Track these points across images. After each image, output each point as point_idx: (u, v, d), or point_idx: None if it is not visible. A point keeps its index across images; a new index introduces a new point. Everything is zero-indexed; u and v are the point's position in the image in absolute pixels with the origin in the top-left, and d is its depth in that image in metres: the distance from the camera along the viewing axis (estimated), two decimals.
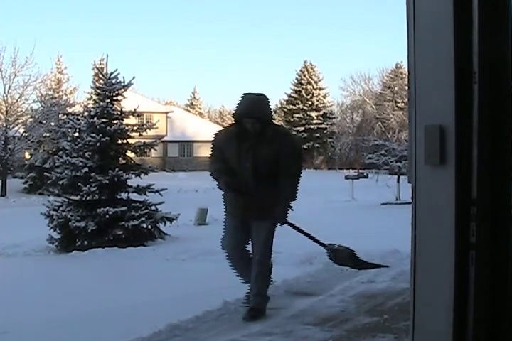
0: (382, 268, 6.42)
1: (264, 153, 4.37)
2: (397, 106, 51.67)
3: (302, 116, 57.10)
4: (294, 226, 4.79)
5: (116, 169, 11.04)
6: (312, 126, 56.59)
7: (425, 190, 1.79)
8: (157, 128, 14.91)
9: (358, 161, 41.21)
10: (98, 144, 11.31)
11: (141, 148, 12.24)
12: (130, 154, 12.22)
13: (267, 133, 4.39)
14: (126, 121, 12.21)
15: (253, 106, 4.36)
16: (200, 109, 71.16)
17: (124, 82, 12.18)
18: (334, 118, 59.47)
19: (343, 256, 5.12)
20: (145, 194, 11.33)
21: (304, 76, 58.08)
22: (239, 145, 4.42)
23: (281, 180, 4.44)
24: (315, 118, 56.87)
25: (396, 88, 54.17)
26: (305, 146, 56.99)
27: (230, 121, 75.54)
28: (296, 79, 58.60)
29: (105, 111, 11.76)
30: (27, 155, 33.33)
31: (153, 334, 4.15)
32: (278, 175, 4.41)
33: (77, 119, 14.74)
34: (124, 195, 11.32)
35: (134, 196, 11.39)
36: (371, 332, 4.08)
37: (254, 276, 4.60)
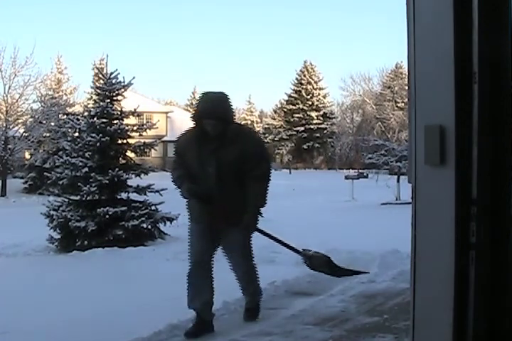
0: (381, 268, 6.43)
1: (227, 155, 4.08)
2: (397, 106, 51.67)
3: (302, 116, 57.12)
4: (265, 234, 4.67)
5: (116, 169, 11.03)
6: (312, 126, 56.61)
7: (425, 190, 1.79)
8: (157, 128, 14.89)
9: (358, 161, 41.24)
10: (98, 144, 11.30)
11: (141, 148, 12.23)
12: (130, 154, 12.21)
13: (228, 135, 4.09)
14: (126, 121, 12.19)
15: (213, 106, 4.07)
16: None
17: (124, 82, 12.17)
18: (334, 118, 59.50)
19: (320, 263, 5.05)
20: (145, 194, 11.32)
21: (304, 76, 58.10)
22: (200, 149, 4.12)
23: (247, 184, 4.20)
24: (315, 118, 56.88)
25: (396, 88, 54.17)
26: (305, 146, 57.05)
27: None
28: (296, 79, 58.63)
29: (105, 111, 11.75)
30: (27, 155, 33.32)
31: (153, 334, 4.15)
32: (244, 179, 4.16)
33: (77, 119, 14.74)
34: (124, 195, 11.31)
35: (134, 196, 11.38)
36: (371, 332, 4.08)
37: (241, 278, 4.52)
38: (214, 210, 4.16)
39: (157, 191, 11.37)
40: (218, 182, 4.11)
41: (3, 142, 29.33)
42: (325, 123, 57.20)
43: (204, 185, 4.15)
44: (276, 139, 58.93)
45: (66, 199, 11.07)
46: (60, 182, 11.89)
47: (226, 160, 4.09)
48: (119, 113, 12.00)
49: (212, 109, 4.05)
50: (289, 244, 4.80)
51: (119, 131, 11.66)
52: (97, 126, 11.52)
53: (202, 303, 4.27)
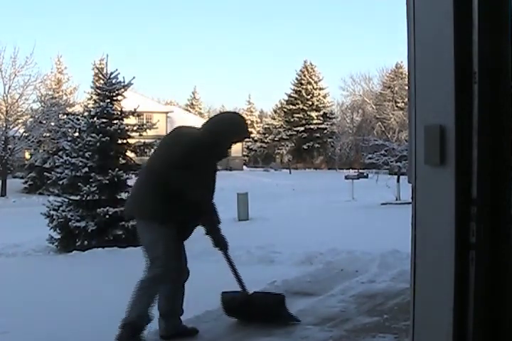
0: (381, 268, 6.43)
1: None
2: (397, 106, 51.71)
3: (302, 116, 57.15)
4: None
5: (116, 169, 11.04)
6: (312, 126, 56.64)
7: (425, 190, 1.79)
8: (157, 128, 14.91)
9: (358, 161, 41.25)
10: (98, 144, 11.30)
11: (141, 148, 12.24)
12: (130, 154, 12.22)
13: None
14: (126, 121, 12.21)
15: (248, 129, 4.22)
16: (200, 109, 71.18)
17: (124, 82, 12.18)
18: (334, 118, 59.53)
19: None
20: None
21: (304, 76, 58.12)
22: (212, 165, 4.08)
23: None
24: (315, 118, 56.91)
25: (396, 88, 54.20)
26: (305, 146, 57.07)
27: None
28: (296, 79, 58.66)
29: (105, 111, 11.76)
30: (27, 155, 33.34)
31: (153, 334, 4.15)
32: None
33: (77, 119, 14.73)
34: (124, 195, 11.31)
35: None
36: (371, 332, 4.07)
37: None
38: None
39: None
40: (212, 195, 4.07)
41: (3, 142, 29.36)
42: (325, 123, 57.22)
43: (206, 192, 4.03)
44: (276, 139, 58.96)
45: (66, 199, 11.08)
46: (60, 182, 11.89)
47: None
48: (119, 113, 12.01)
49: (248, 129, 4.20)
50: (240, 279, 4.42)
51: (119, 131, 11.67)
52: (97, 126, 11.53)
53: None
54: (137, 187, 4.09)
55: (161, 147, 4.09)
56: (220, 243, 4.21)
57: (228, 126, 4.02)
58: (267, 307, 4.35)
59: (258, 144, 61.44)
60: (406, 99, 37.30)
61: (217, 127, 3.99)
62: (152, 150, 13.69)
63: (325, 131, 57.11)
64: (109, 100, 11.96)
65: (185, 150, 3.81)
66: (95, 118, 11.69)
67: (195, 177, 3.85)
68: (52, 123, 30.13)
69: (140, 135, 12.41)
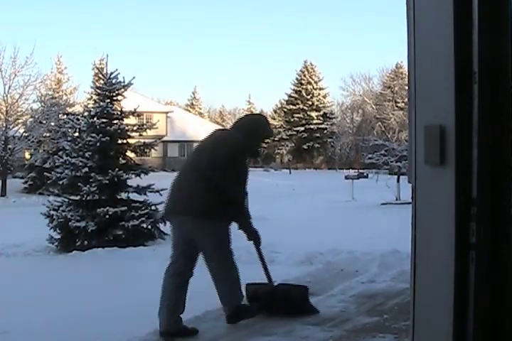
0: (381, 268, 6.43)
1: None
2: (397, 106, 51.70)
3: (302, 116, 57.14)
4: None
5: (116, 169, 11.03)
6: (312, 126, 56.63)
7: (425, 190, 1.79)
8: (157, 128, 14.90)
9: (358, 161, 41.24)
10: (98, 144, 11.30)
11: (141, 148, 12.23)
12: (130, 154, 12.21)
13: None
14: (126, 121, 12.19)
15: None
16: (200, 109, 71.17)
17: (124, 82, 12.17)
18: (334, 118, 59.51)
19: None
20: (145, 194, 11.32)
21: (304, 76, 58.11)
22: (246, 166, 4.46)
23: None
24: (315, 118, 56.90)
25: (396, 88, 54.19)
26: (305, 146, 57.07)
27: (230, 121, 75.60)
28: (296, 79, 58.65)
29: (105, 111, 11.75)
30: (27, 155, 33.33)
31: (153, 334, 4.15)
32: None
33: (77, 119, 14.74)
34: (124, 195, 11.31)
35: (134, 196, 11.38)
36: (371, 332, 4.08)
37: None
38: None
39: (157, 191, 11.36)
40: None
41: (3, 142, 29.35)
42: (325, 123, 57.21)
43: (242, 189, 4.37)
44: (276, 139, 58.90)
45: (66, 199, 11.07)
46: (60, 182, 11.89)
47: None
48: (119, 113, 12.00)
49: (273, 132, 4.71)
50: (268, 271, 4.71)
51: (119, 131, 11.66)
52: (97, 126, 11.52)
53: None
54: (184, 187, 4.28)
55: (206, 149, 4.30)
56: (253, 236, 4.53)
57: (260, 128, 4.45)
58: (290, 299, 4.59)
59: None
60: (406, 99, 37.30)
61: (250, 130, 4.35)
62: (152, 150, 13.72)
63: (325, 131, 57.10)
64: (109, 100, 11.95)
65: (230, 152, 4.19)
66: (95, 118, 11.68)
67: (236, 177, 4.21)
68: (52, 123, 30.11)
69: (140, 135, 12.40)
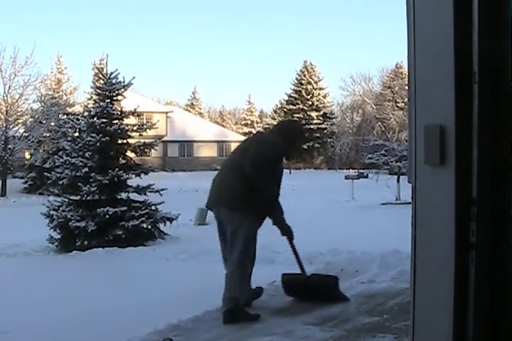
0: (381, 268, 6.43)
1: None
2: (397, 106, 51.66)
3: (302, 116, 57.07)
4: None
5: (116, 169, 11.03)
6: (312, 126, 56.56)
7: (425, 190, 1.79)
8: (157, 128, 14.89)
9: (358, 161, 41.21)
10: (98, 144, 11.30)
11: (141, 148, 12.23)
12: (130, 154, 12.21)
13: None
14: (126, 121, 12.20)
15: None
16: (200, 109, 71.13)
17: (124, 82, 12.17)
18: (334, 118, 59.46)
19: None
20: (145, 194, 11.33)
21: (304, 76, 58.07)
22: (282, 167, 4.94)
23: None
24: (315, 118, 56.85)
25: (396, 88, 54.14)
26: (305, 146, 57.05)
27: (229, 121, 75.41)
28: (296, 79, 58.60)
29: (105, 111, 11.75)
30: (27, 155, 33.31)
31: (153, 333, 4.15)
32: None
33: (77, 119, 14.74)
34: (124, 195, 11.32)
35: (134, 196, 11.38)
36: (371, 332, 4.08)
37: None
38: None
39: (157, 191, 11.37)
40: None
41: (3, 142, 29.33)
42: (325, 123, 57.16)
43: (277, 189, 4.85)
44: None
45: (66, 199, 11.07)
46: (60, 182, 11.89)
47: None
48: (119, 113, 12.00)
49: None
50: (301, 263, 5.16)
51: (119, 131, 11.66)
52: (97, 126, 11.53)
53: None
54: (223, 183, 4.75)
55: (250, 150, 4.64)
56: (287, 232, 5.03)
57: (299, 137, 5.06)
58: (322, 288, 5.02)
59: None
60: (406, 99, 37.29)
61: (291, 137, 4.82)
62: (152, 150, 13.83)
63: (325, 131, 57.05)
64: (109, 100, 11.95)
65: (272, 155, 4.67)
66: (95, 119, 11.69)
67: (271, 178, 4.68)
68: (52, 123, 30.08)
69: (140, 135, 12.40)
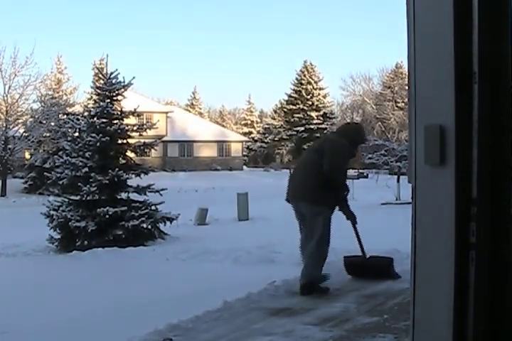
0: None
1: None
2: (397, 106, 51.68)
3: (302, 116, 57.08)
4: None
5: (116, 169, 11.04)
6: (312, 126, 56.57)
7: (425, 190, 1.79)
8: (157, 128, 14.90)
9: (358, 161, 41.22)
10: (98, 144, 11.30)
11: (141, 148, 12.24)
12: (130, 154, 12.22)
13: None
14: (126, 121, 12.21)
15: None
16: (200, 109, 71.14)
17: (124, 82, 12.18)
18: (334, 118, 59.43)
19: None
20: (145, 194, 11.33)
21: (304, 76, 58.06)
22: (349, 160, 5.76)
23: None
24: (315, 118, 56.85)
25: (396, 88, 54.16)
26: (305, 146, 57.01)
27: (229, 121, 75.36)
28: (296, 79, 58.58)
29: (105, 111, 11.76)
30: (27, 155, 33.33)
31: (153, 333, 4.15)
32: None
33: (77, 119, 14.76)
34: (124, 195, 11.32)
35: (134, 196, 11.39)
36: (371, 332, 4.07)
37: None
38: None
39: (157, 191, 11.38)
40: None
41: (3, 142, 29.35)
42: (325, 123, 57.15)
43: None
44: (276, 139, 58.92)
45: (66, 199, 11.08)
46: (60, 182, 11.90)
47: None
48: (119, 113, 12.01)
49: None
50: (362, 246, 5.90)
51: (119, 131, 11.67)
52: (97, 126, 11.53)
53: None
54: (300, 179, 5.53)
55: (325, 151, 5.37)
56: (351, 217, 5.77)
57: (358, 138, 5.70)
58: (379, 268, 5.86)
59: (258, 144, 61.39)
60: (406, 99, 37.29)
61: (352, 139, 5.55)
62: (152, 150, 13.94)
63: (325, 131, 56.94)
64: (109, 100, 11.96)
65: (345, 155, 5.51)
66: (95, 119, 11.70)
67: (342, 173, 5.52)
68: (52, 123, 30.11)
69: (140, 135, 12.41)
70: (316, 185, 5.35)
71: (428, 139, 1.73)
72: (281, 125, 58.77)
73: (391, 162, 20.83)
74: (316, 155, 5.43)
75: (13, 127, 30.39)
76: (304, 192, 5.43)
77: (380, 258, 6.06)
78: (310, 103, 57.32)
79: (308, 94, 57.50)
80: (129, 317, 4.75)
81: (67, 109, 31.09)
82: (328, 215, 5.42)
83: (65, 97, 35.20)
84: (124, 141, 11.92)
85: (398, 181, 18.92)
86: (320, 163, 5.31)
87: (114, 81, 12.11)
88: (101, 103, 11.91)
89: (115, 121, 11.80)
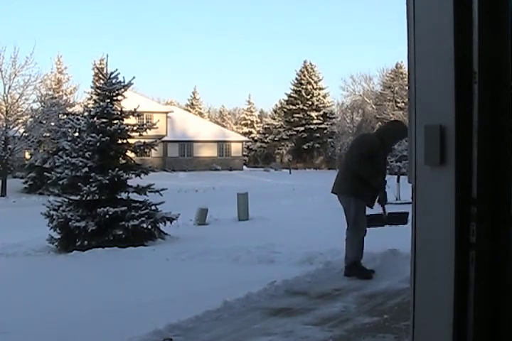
0: (381, 269, 6.44)
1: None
2: (397, 106, 51.70)
3: (302, 116, 57.11)
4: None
5: (116, 169, 11.04)
6: (312, 126, 56.61)
7: (425, 190, 1.79)
8: (157, 128, 14.90)
9: None
10: (98, 144, 11.30)
11: (141, 148, 12.24)
12: (130, 154, 12.22)
13: None
14: (126, 121, 12.20)
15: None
16: (200, 109, 71.14)
17: (124, 82, 12.18)
18: (334, 118, 59.45)
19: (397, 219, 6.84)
20: (145, 194, 11.33)
21: (304, 76, 58.08)
22: (382, 155, 6.20)
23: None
24: (315, 118, 56.87)
25: (396, 88, 54.17)
26: (305, 146, 57.07)
27: (229, 121, 75.36)
28: (296, 79, 58.60)
29: (105, 111, 11.76)
30: (27, 155, 33.33)
31: (153, 333, 4.15)
32: None
33: (77, 119, 14.74)
34: (124, 195, 11.32)
35: (134, 196, 11.39)
36: (371, 332, 4.08)
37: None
38: (374, 193, 6.20)
39: (157, 191, 11.37)
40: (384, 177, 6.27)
41: (3, 142, 29.35)
42: (325, 123, 57.18)
43: (380, 177, 6.16)
44: (276, 139, 58.93)
45: (66, 199, 11.08)
46: (60, 182, 11.91)
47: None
48: (119, 113, 12.01)
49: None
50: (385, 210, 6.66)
51: (119, 131, 11.67)
52: (97, 126, 11.53)
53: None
54: (339, 174, 6.31)
55: (349, 148, 6.44)
56: (381, 201, 6.42)
57: (395, 134, 6.10)
58: (394, 220, 6.79)
59: (258, 144, 61.40)
60: (406, 99, 37.29)
61: (387, 134, 6.13)
62: (152, 150, 14.15)
63: (325, 131, 57.07)
64: (109, 100, 11.96)
65: (363, 150, 5.98)
66: (95, 119, 11.70)
67: (372, 167, 5.97)
68: (52, 123, 30.11)
69: (140, 135, 12.40)
70: (346, 178, 6.07)
71: (428, 139, 1.73)
72: (281, 125, 58.78)
73: (391, 162, 20.85)
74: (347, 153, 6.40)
75: (13, 127, 30.39)
76: (339, 185, 6.19)
77: (396, 214, 6.91)
78: (310, 103, 57.34)
79: (308, 94, 57.51)
80: (129, 317, 4.75)
81: (67, 109, 31.09)
82: (360, 204, 6.02)
83: (65, 97, 35.21)
84: (124, 141, 11.92)
85: (398, 181, 18.90)
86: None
87: (114, 81, 12.11)
88: (101, 103, 11.91)
89: (115, 121, 11.80)
